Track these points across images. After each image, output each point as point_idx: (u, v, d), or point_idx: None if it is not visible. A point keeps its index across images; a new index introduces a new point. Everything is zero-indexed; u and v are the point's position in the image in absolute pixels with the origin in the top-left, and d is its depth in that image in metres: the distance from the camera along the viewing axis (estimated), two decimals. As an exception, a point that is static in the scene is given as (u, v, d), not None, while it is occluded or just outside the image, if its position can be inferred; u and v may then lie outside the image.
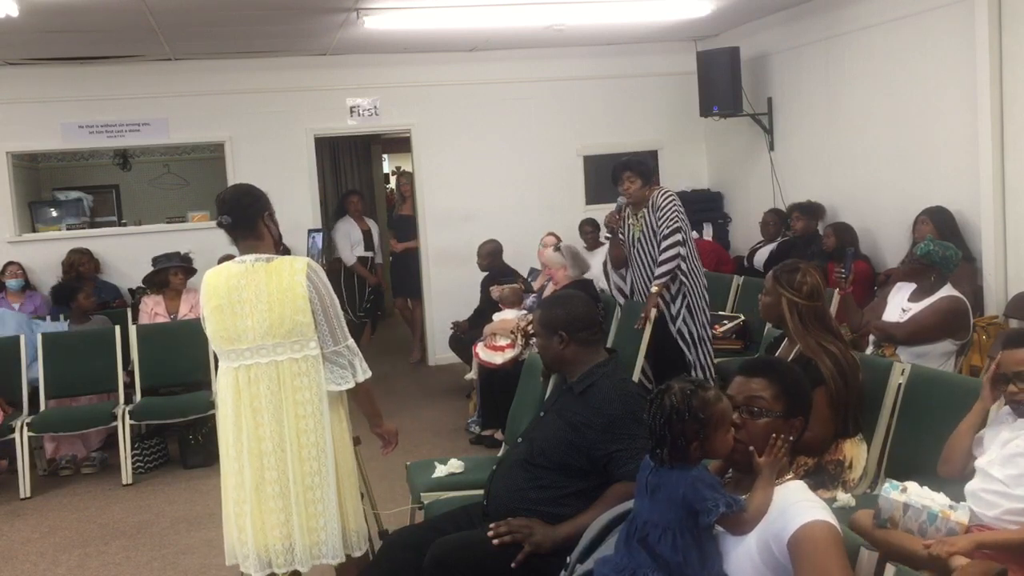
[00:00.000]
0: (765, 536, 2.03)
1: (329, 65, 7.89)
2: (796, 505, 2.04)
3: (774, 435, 2.15)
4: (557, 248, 6.05)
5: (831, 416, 3.20)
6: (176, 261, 6.60)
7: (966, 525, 2.56)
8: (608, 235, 5.14)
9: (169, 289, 6.56)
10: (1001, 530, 2.56)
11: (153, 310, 6.50)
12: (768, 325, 4.52)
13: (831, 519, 2.02)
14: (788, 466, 2.19)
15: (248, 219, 3.05)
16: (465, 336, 6.79)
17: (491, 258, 7.17)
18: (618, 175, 5.01)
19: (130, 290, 7.50)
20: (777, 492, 2.10)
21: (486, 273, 7.16)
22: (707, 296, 5.09)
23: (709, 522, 2.04)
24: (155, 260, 6.72)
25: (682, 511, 2.06)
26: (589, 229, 7.43)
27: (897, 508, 2.63)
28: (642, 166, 5.03)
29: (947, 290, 4.35)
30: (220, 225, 3.07)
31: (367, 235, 8.34)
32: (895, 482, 2.74)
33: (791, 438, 2.19)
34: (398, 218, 8.76)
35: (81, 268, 7.24)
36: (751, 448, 2.15)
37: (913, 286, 4.48)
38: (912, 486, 2.67)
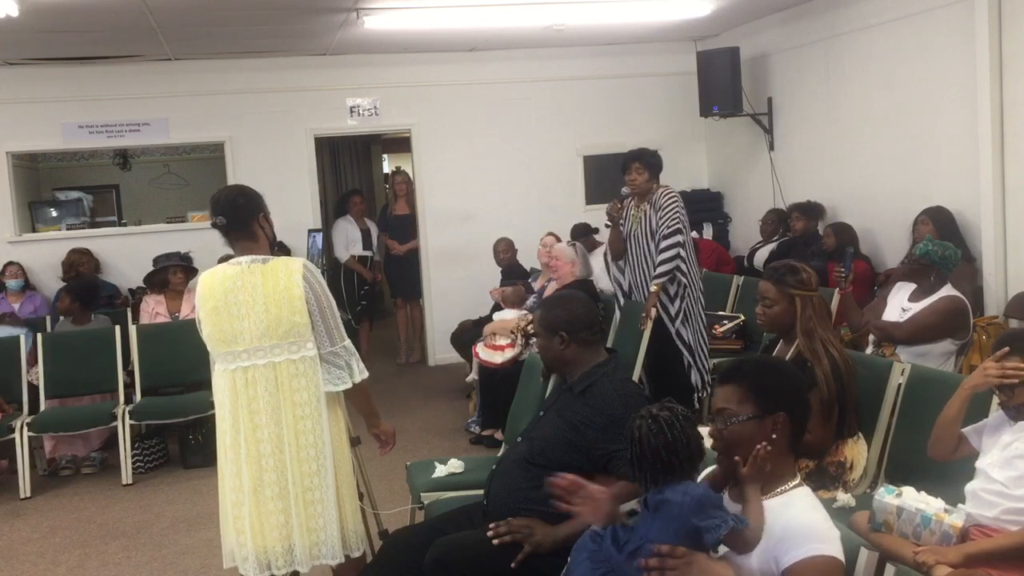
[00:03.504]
0: (766, 556, 2.00)
1: (329, 65, 7.89)
2: (802, 532, 1.98)
3: (759, 446, 2.06)
4: (572, 244, 6.07)
5: (823, 420, 3.18)
6: (176, 260, 6.61)
7: (960, 528, 2.55)
8: (608, 223, 5.18)
9: (170, 289, 6.57)
10: (990, 539, 2.54)
11: (154, 310, 6.51)
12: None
13: (833, 550, 1.97)
14: (792, 470, 2.15)
15: (242, 220, 3.04)
16: (465, 336, 6.79)
17: (509, 255, 7.17)
18: (627, 164, 5.09)
19: (130, 290, 7.50)
20: (783, 504, 2.07)
21: (501, 271, 7.16)
22: (703, 300, 5.12)
23: (717, 538, 1.98)
24: (156, 260, 6.74)
25: (683, 536, 1.99)
26: (573, 242, 7.18)
27: (891, 512, 2.62)
28: (651, 159, 5.09)
29: (947, 290, 4.34)
30: (215, 226, 3.06)
31: (366, 235, 8.31)
32: (891, 486, 2.74)
33: (773, 436, 2.09)
34: (393, 219, 8.52)
35: (81, 268, 7.24)
36: (736, 458, 2.10)
37: (913, 286, 4.47)
38: (908, 490, 2.66)
